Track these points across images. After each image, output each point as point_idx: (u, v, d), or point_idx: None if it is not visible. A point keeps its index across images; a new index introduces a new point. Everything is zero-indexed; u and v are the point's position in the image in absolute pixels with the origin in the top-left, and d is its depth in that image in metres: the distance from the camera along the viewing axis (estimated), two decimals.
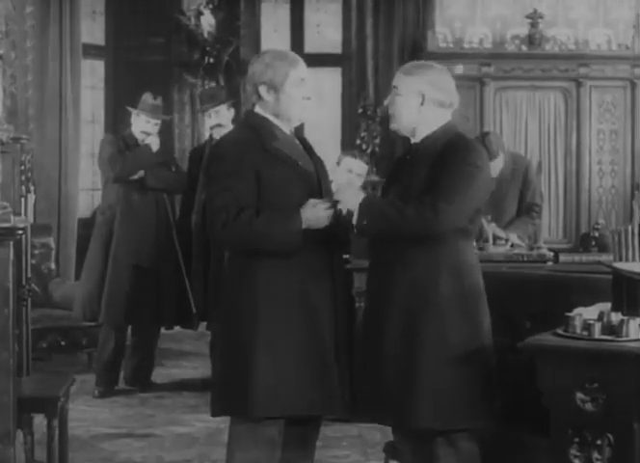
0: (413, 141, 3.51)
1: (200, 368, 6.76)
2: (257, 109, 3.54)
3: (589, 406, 2.87)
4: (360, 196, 3.40)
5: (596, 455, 2.87)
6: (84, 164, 8.46)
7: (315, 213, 3.38)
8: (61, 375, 5.13)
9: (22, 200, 4.99)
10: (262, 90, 3.49)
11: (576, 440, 2.89)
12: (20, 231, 3.92)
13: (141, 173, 6.14)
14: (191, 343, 7.60)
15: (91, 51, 8.69)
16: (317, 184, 3.51)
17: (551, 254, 5.65)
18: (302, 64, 3.53)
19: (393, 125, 3.53)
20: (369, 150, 8.41)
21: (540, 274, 4.10)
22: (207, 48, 8.76)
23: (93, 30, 8.83)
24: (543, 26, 8.55)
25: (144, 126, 6.21)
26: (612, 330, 2.92)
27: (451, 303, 3.34)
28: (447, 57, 8.12)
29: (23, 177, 5.12)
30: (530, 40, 8.54)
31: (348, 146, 8.40)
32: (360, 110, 8.65)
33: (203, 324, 6.32)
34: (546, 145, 8.57)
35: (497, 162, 5.81)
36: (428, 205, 3.27)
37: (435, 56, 7.69)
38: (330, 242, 3.47)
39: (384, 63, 8.76)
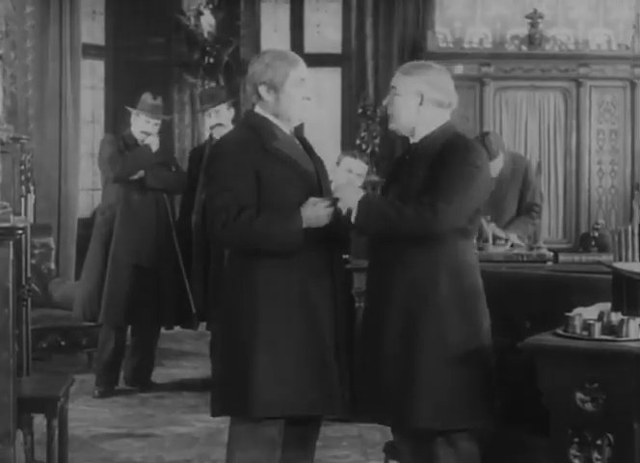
0: (412, 141, 3.52)
1: (200, 368, 6.76)
2: (257, 109, 3.54)
3: (589, 406, 2.87)
4: (360, 194, 3.40)
5: (596, 455, 2.87)
6: (84, 164, 8.47)
7: (315, 212, 3.38)
8: (61, 375, 5.12)
9: (22, 200, 5.00)
10: (262, 90, 3.49)
11: (576, 440, 2.89)
12: (20, 231, 3.92)
13: (141, 173, 6.14)
14: (191, 343, 7.60)
15: (90, 51, 8.69)
16: (317, 184, 3.51)
17: (551, 254, 5.65)
18: (302, 64, 3.53)
19: (392, 125, 3.53)
20: (369, 150, 8.41)
21: (540, 274, 4.09)
22: (207, 48, 8.76)
23: (92, 30, 8.83)
24: (543, 26, 8.55)
25: (143, 126, 6.21)
26: (612, 330, 2.92)
27: (450, 303, 3.34)
28: (447, 57, 8.12)
29: (23, 177, 5.13)
30: (530, 40, 8.53)
31: (348, 146, 8.41)
32: (360, 110, 8.65)
33: (203, 324, 6.32)
34: (545, 145, 8.57)
35: (497, 162, 5.81)
36: (427, 205, 3.27)
37: (435, 56, 7.69)
38: (329, 242, 3.47)
39: (383, 63, 8.76)
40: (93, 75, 8.84)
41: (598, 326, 2.93)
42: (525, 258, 5.56)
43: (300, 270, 3.41)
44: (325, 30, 9.24)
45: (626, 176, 8.56)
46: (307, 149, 3.60)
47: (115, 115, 8.48)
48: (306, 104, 3.53)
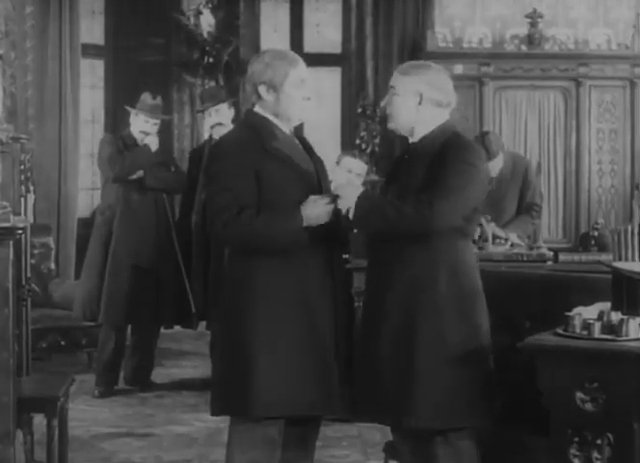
0: (411, 140, 3.52)
1: (199, 368, 6.76)
2: (257, 109, 3.54)
3: (589, 406, 2.87)
4: (359, 191, 3.40)
5: (596, 455, 2.87)
6: (83, 164, 8.47)
7: (315, 209, 3.38)
8: (61, 375, 5.12)
9: (22, 200, 4.99)
10: (262, 89, 3.49)
11: (576, 440, 2.89)
12: (20, 231, 3.92)
13: (140, 173, 6.14)
14: (191, 343, 7.60)
15: (90, 51, 8.69)
16: (317, 184, 3.51)
17: (551, 253, 5.65)
18: (301, 63, 3.53)
19: (391, 125, 3.53)
20: (369, 150, 8.41)
21: (539, 274, 4.09)
22: (207, 48, 8.75)
23: (92, 30, 8.83)
24: (542, 26, 8.55)
25: (142, 126, 6.21)
26: (612, 329, 2.92)
27: (449, 303, 3.34)
28: (447, 57, 8.12)
29: (23, 177, 5.12)
30: (530, 39, 8.53)
31: (348, 145, 8.41)
32: (360, 110, 8.65)
33: (203, 324, 6.32)
34: (545, 144, 8.57)
35: (497, 162, 5.82)
36: (424, 203, 3.27)
37: (434, 56, 7.69)
38: (329, 241, 3.47)
39: (383, 62, 8.76)
40: (92, 75, 8.84)
41: (597, 326, 2.92)
42: (525, 258, 5.56)
43: (300, 270, 3.41)
44: (324, 30, 9.23)
45: (626, 175, 8.56)
46: (307, 148, 3.60)
47: (114, 115, 8.48)
48: (306, 104, 3.53)
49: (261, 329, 3.37)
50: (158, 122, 6.26)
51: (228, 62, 8.85)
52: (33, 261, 6.46)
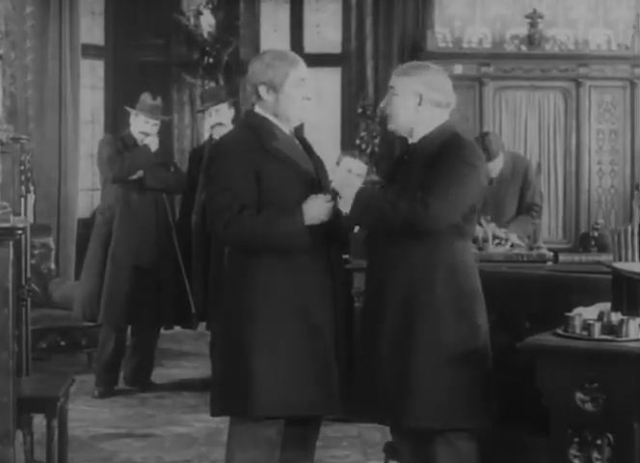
0: (410, 141, 3.52)
1: (199, 368, 6.76)
2: (257, 109, 3.54)
3: (589, 406, 2.87)
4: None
5: (596, 455, 2.87)
6: (83, 164, 8.47)
7: (316, 207, 3.39)
8: (60, 375, 5.13)
9: (22, 200, 4.99)
10: (262, 90, 3.49)
11: (576, 440, 2.90)
12: (20, 231, 3.92)
13: (140, 173, 6.14)
14: (191, 343, 7.59)
15: (90, 51, 8.69)
16: (317, 184, 3.52)
17: (551, 254, 5.65)
18: (302, 64, 3.53)
19: (391, 126, 3.54)
20: (369, 150, 8.41)
21: (539, 274, 4.10)
22: (207, 48, 8.75)
23: (92, 30, 8.83)
24: (542, 26, 8.54)
25: (142, 127, 6.21)
26: (612, 330, 2.92)
27: (447, 303, 3.34)
28: (447, 57, 8.12)
29: (23, 177, 5.12)
30: (530, 40, 8.53)
31: (347, 145, 8.40)
32: (360, 110, 8.65)
33: (203, 324, 6.32)
34: (545, 145, 8.57)
35: (497, 162, 5.82)
36: (419, 200, 3.27)
37: (434, 56, 7.70)
38: (329, 241, 3.47)
39: (383, 63, 8.75)
40: (92, 75, 8.84)
41: (597, 326, 2.93)
42: (525, 258, 5.56)
43: (300, 270, 3.41)
44: (325, 30, 9.23)
45: (626, 176, 8.55)
46: (307, 148, 3.60)
47: (114, 115, 8.48)
48: (306, 104, 3.53)
49: (261, 329, 3.38)
50: (158, 122, 6.26)
51: (228, 62, 8.85)
52: (33, 261, 6.47)
